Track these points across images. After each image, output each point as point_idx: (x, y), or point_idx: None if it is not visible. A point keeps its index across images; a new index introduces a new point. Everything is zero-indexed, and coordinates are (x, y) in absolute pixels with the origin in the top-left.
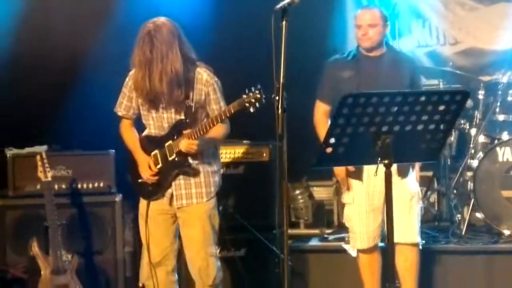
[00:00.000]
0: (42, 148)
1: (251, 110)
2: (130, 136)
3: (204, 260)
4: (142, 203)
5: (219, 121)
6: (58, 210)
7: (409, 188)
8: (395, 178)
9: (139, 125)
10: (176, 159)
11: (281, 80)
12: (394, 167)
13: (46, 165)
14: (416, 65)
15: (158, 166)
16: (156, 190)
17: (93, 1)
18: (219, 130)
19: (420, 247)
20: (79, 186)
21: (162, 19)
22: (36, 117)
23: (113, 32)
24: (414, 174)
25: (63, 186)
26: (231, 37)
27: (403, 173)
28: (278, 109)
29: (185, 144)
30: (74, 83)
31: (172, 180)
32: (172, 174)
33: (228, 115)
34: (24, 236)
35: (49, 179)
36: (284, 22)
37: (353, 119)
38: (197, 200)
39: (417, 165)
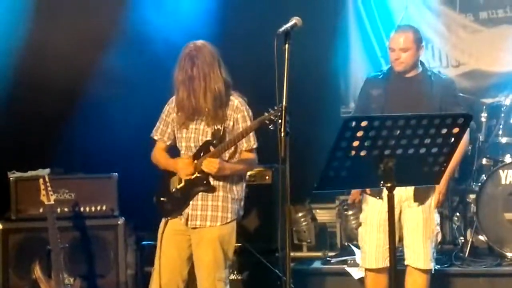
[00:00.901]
0: (45, 172)
1: (271, 127)
2: (162, 156)
3: (212, 285)
4: (161, 224)
5: (241, 138)
6: (61, 233)
7: (425, 212)
8: (410, 202)
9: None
10: (197, 176)
11: (284, 103)
12: (410, 192)
13: (49, 188)
14: (452, 89)
15: (181, 185)
16: (175, 208)
17: (96, 23)
18: (244, 161)
19: (433, 271)
20: (82, 209)
21: (201, 41)
22: (38, 141)
23: (117, 54)
24: (432, 199)
25: (66, 209)
26: (234, 61)
27: (420, 197)
28: (281, 132)
29: (206, 162)
30: (76, 107)
31: (191, 199)
32: (191, 193)
33: (249, 132)
34: (27, 259)
35: (52, 202)
36: (286, 45)
37: (355, 142)
38: (211, 223)
39: (438, 189)
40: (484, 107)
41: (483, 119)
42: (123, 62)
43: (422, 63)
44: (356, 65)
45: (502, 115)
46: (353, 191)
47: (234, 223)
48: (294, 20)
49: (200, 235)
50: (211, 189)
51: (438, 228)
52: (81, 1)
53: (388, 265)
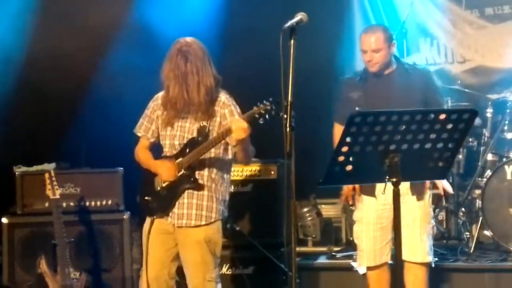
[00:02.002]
0: (51, 166)
1: (261, 121)
2: (144, 155)
3: (202, 284)
4: (147, 221)
5: (231, 132)
6: (66, 227)
7: (421, 207)
8: (408, 196)
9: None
10: (183, 173)
11: (289, 99)
12: (407, 185)
13: (55, 183)
14: (430, 78)
15: (166, 184)
16: (161, 207)
17: (100, 21)
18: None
19: (433, 265)
20: (87, 203)
21: (191, 38)
22: (44, 135)
23: (121, 51)
24: (428, 193)
25: (71, 204)
26: (240, 57)
27: (416, 192)
28: (286, 128)
29: (236, 124)
30: (82, 102)
31: (177, 197)
32: (178, 191)
33: None
34: (32, 253)
35: (58, 196)
36: (292, 41)
37: (361, 137)
38: (195, 222)
39: (439, 183)
40: (490, 102)
41: (488, 115)
42: (127, 59)
43: (396, 58)
44: (361, 61)
45: (508, 111)
46: (344, 188)
47: (219, 223)
48: (300, 16)
49: (186, 235)
50: (198, 187)
51: (433, 221)
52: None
53: (387, 260)
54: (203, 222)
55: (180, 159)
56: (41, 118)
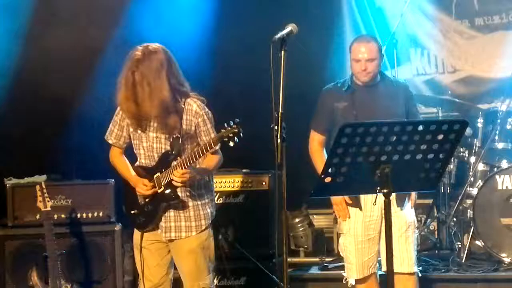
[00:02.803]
0: (42, 178)
1: (231, 144)
2: (120, 162)
3: None
4: (136, 233)
5: (202, 154)
6: (58, 239)
7: (405, 217)
8: (393, 207)
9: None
10: (164, 191)
11: (280, 110)
12: (392, 196)
13: (46, 195)
14: (410, 91)
15: (148, 199)
16: (148, 222)
17: (93, 33)
18: (211, 161)
19: (420, 274)
20: (79, 215)
21: (155, 46)
22: (35, 147)
23: (112, 63)
24: (409, 203)
25: (63, 216)
26: (231, 68)
27: (400, 203)
28: (277, 139)
29: (178, 174)
30: (73, 113)
31: (162, 212)
32: (161, 207)
33: (209, 149)
34: (24, 266)
35: (49, 208)
36: (282, 52)
37: (352, 148)
38: (186, 233)
39: (413, 193)
40: (480, 112)
41: (479, 125)
42: (119, 71)
43: (380, 71)
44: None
45: (498, 120)
46: (335, 203)
47: (210, 227)
48: (290, 27)
49: (179, 246)
50: (181, 203)
51: (417, 231)
52: (78, 12)
53: (374, 271)
54: (194, 233)
55: (158, 174)
56: (32, 130)
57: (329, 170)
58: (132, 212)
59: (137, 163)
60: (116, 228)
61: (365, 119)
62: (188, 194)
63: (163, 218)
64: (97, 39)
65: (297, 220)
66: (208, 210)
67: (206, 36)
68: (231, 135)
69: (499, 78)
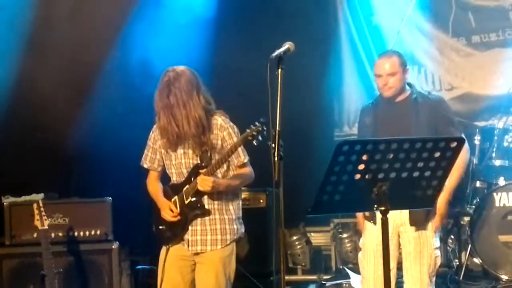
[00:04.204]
0: (39, 196)
1: (254, 142)
2: (154, 188)
3: None
4: (162, 251)
5: (230, 155)
6: (55, 258)
7: (421, 237)
8: (407, 226)
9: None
10: (191, 200)
11: (277, 128)
12: (406, 215)
13: (43, 213)
14: (442, 108)
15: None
16: (174, 235)
17: (90, 54)
18: (239, 176)
19: None
20: (76, 234)
21: (181, 67)
22: (32, 165)
23: (109, 82)
24: (430, 223)
25: (60, 234)
26: (227, 85)
27: (415, 222)
28: (274, 157)
29: (200, 180)
30: (70, 132)
31: (189, 224)
32: (188, 218)
33: (235, 149)
34: (21, 284)
35: (46, 227)
36: (280, 70)
37: (349, 166)
38: (211, 247)
39: (437, 217)
40: (478, 130)
41: (476, 142)
42: (115, 90)
43: (410, 85)
44: (349, 89)
45: (495, 138)
46: (358, 215)
47: (234, 244)
48: (287, 45)
49: (203, 260)
50: (207, 213)
51: (437, 252)
52: (74, 33)
53: None
54: (219, 247)
55: (187, 186)
56: (29, 148)
57: (326, 188)
58: (160, 227)
59: (170, 182)
60: (113, 246)
61: (383, 134)
62: (215, 207)
63: (189, 231)
64: (94, 61)
65: (294, 237)
66: (234, 226)
67: (203, 53)
68: (255, 133)
69: (496, 95)
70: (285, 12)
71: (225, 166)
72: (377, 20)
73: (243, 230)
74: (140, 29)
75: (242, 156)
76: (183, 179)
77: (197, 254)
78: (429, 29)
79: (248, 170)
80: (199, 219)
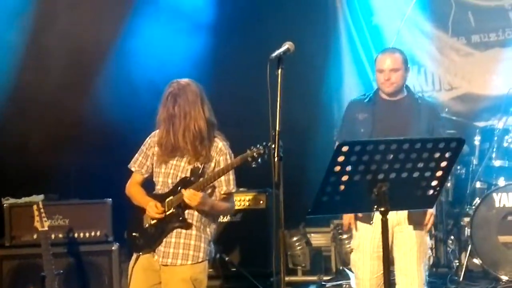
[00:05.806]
0: (39, 198)
1: (253, 164)
2: (136, 189)
3: None
4: (133, 258)
5: (224, 173)
6: (55, 259)
7: (418, 236)
8: (405, 225)
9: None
10: (173, 212)
11: (277, 128)
12: (404, 215)
13: (43, 214)
14: (437, 111)
15: (154, 221)
16: (147, 244)
17: (89, 57)
18: (223, 204)
19: None
20: (76, 235)
21: (186, 80)
22: (32, 167)
23: (108, 87)
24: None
25: (60, 236)
26: (228, 86)
27: (414, 221)
28: (274, 157)
29: (189, 193)
30: (70, 133)
31: (164, 236)
32: (166, 229)
33: (231, 168)
34: (21, 286)
35: (46, 228)
36: (279, 70)
37: (349, 167)
38: (182, 261)
39: (428, 217)
40: (477, 130)
41: (476, 143)
42: (115, 94)
43: (407, 87)
44: (349, 89)
45: (495, 138)
46: (344, 215)
47: (206, 263)
48: (287, 45)
49: (171, 274)
50: (186, 226)
51: (430, 251)
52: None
53: None
54: (189, 262)
55: (171, 197)
56: (29, 150)
57: (326, 188)
58: (133, 234)
59: (154, 192)
60: (113, 248)
61: (381, 133)
62: (194, 223)
63: (164, 242)
64: (95, 60)
65: (294, 238)
66: (208, 248)
67: (202, 53)
68: (255, 155)
69: (495, 95)
70: (285, 12)
71: (210, 190)
72: (377, 20)
73: (213, 254)
74: (141, 29)
75: (232, 185)
76: (167, 190)
77: (166, 266)
78: (429, 28)
79: (232, 203)
80: (175, 231)
